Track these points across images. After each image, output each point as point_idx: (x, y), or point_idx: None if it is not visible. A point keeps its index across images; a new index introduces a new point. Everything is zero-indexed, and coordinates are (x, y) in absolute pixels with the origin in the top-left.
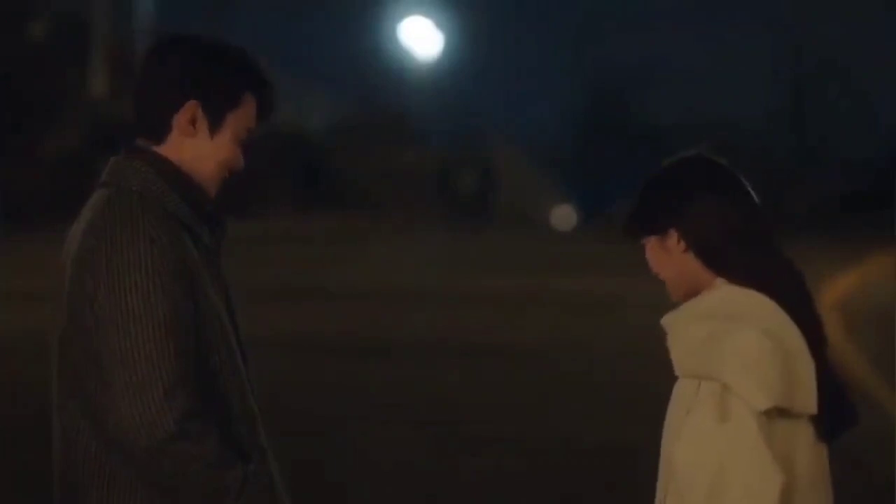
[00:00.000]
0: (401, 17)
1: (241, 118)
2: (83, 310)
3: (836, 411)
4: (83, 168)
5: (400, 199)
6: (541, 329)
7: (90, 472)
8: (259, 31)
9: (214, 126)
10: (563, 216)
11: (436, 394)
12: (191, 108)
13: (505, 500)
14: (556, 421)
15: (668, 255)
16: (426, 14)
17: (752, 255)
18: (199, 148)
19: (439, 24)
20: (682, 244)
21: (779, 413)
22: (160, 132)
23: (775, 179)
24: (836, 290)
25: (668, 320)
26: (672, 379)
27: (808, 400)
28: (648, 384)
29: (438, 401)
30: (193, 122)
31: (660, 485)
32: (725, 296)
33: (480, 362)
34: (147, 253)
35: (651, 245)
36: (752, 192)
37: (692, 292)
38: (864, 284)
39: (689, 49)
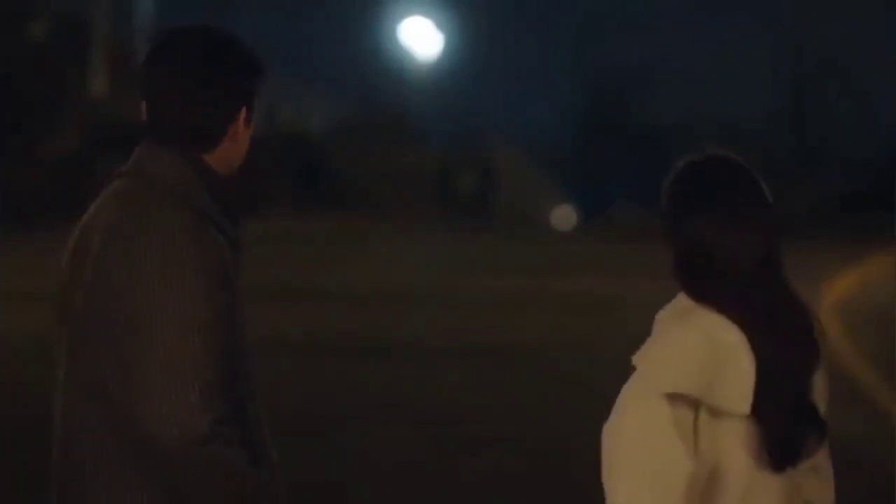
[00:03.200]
0: (401, 18)
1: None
2: (110, 305)
3: (797, 435)
4: (83, 168)
5: (400, 199)
6: (541, 329)
7: (95, 468)
8: (259, 31)
9: (248, 124)
10: (564, 216)
11: (436, 394)
12: (243, 114)
13: (505, 500)
14: (556, 421)
15: None
16: (426, 14)
17: (725, 287)
18: (236, 149)
19: (439, 25)
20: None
21: (710, 411)
22: (214, 141)
23: (775, 179)
24: (836, 291)
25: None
26: None
27: (736, 401)
28: None
29: (438, 401)
30: (242, 127)
31: None
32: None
33: (480, 362)
34: (189, 250)
35: None
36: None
37: None
38: (864, 284)
39: (688, 49)
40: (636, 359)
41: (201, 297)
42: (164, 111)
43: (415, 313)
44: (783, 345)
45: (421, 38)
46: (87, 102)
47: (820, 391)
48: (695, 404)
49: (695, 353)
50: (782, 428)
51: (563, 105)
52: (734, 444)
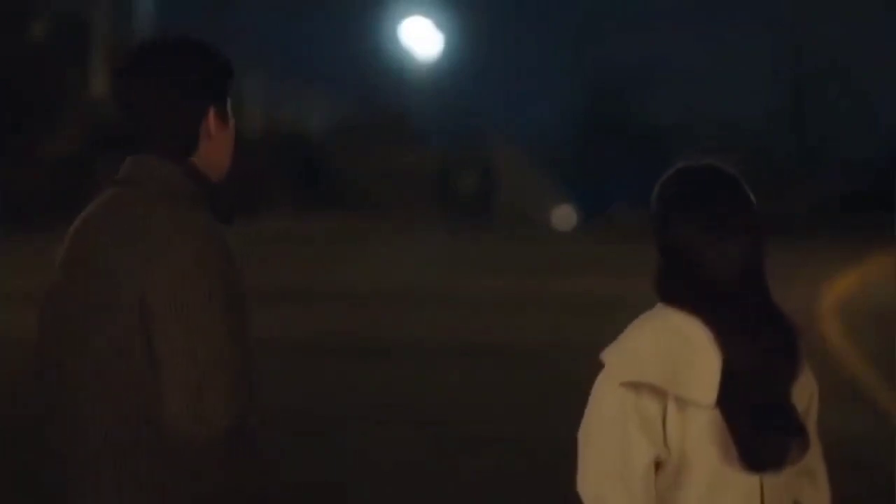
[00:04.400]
0: (401, 18)
1: (228, 106)
2: (124, 308)
3: (768, 437)
4: (83, 168)
5: (400, 199)
6: (541, 329)
7: (102, 465)
8: (259, 31)
9: (224, 122)
10: (564, 216)
11: (436, 394)
12: (211, 113)
13: (505, 500)
14: (556, 421)
15: None
16: (426, 14)
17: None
18: (215, 148)
19: (439, 25)
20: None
21: (678, 402)
22: (192, 144)
23: (775, 179)
24: (836, 291)
25: None
26: None
27: (701, 392)
28: None
29: (438, 401)
30: (213, 125)
31: None
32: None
33: (480, 362)
34: (218, 250)
35: None
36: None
37: None
38: (864, 284)
39: (689, 49)
40: (604, 354)
41: (230, 295)
42: (141, 120)
43: (415, 313)
44: (752, 347)
45: (421, 39)
46: (87, 102)
47: (802, 399)
48: (661, 395)
49: (660, 344)
50: (747, 426)
51: (564, 105)
52: (702, 436)
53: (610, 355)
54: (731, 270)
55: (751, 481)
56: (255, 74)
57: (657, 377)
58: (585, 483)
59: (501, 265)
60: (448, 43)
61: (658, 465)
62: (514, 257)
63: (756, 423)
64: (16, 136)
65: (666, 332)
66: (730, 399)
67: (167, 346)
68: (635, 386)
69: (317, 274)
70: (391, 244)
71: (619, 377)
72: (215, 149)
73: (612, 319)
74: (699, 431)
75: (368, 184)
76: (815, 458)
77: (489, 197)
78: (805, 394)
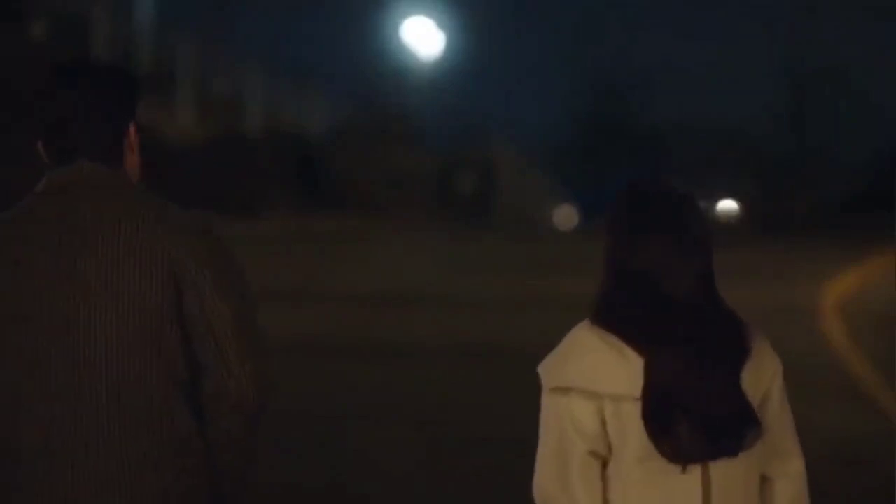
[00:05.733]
0: (402, 18)
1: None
2: (177, 301)
3: (712, 431)
4: None
5: (400, 199)
6: (541, 329)
7: (164, 441)
8: (260, 31)
9: (137, 136)
10: (565, 216)
11: (436, 394)
12: (133, 127)
13: (505, 500)
14: None
15: None
16: (427, 14)
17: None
18: (134, 159)
19: (440, 24)
20: None
21: (612, 398)
22: (119, 156)
23: (776, 180)
24: (836, 291)
25: None
26: None
27: (624, 385)
28: None
29: (438, 401)
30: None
31: None
32: None
33: (481, 363)
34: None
35: None
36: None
37: None
38: (864, 285)
39: (689, 50)
40: (539, 367)
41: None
42: (76, 132)
43: (415, 314)
44: (674, 349)
45: (422, 39)
46: None
47: (762, 381)
48: (593, 396)
49: (583, 348)
50: (665, 418)
51: (565, 106)
52: (633, 428)
53: (542, 366)
54: (692, 282)
55: (692, 471)
56: (255, 74)
57: (581, 380)
58: (534, 482)
59: (502, 265)
60: (449, 44)
61: (604, 462)
62: (515, 257)
63: (666, 420)
64: (17, 136)
65: (590, 336)
66: (647, 397)
67: (224, 325)
68: (564, 390)
69: (317, 274)
70: (391, 244)
71: (548, 384)
72: (135, 161)
73: None
74: (631, 423)
75: (369, 184)
76: (783, 433)
77: (489, 197)
78: (765, 376)
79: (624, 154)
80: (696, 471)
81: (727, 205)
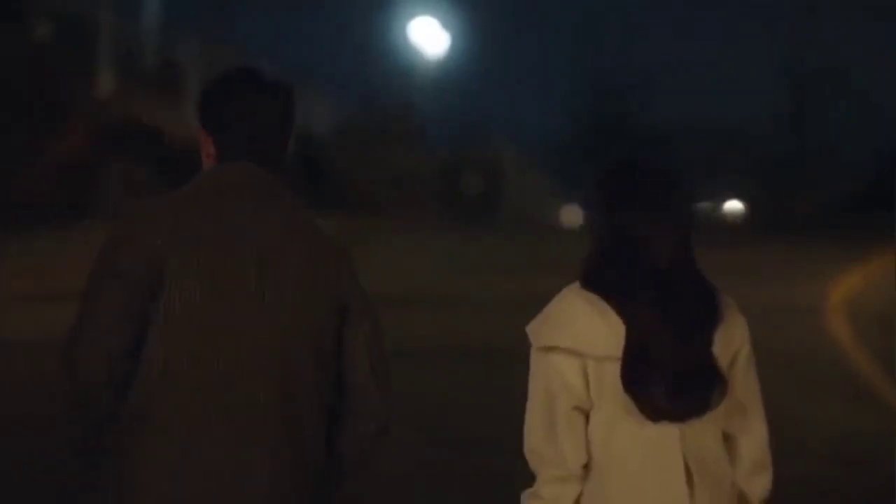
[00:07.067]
0: (407, 18)
1: None
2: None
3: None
4: (88, 169)
5: (404, 199)
6: None
7: (318, 452)
8: (262, 30)
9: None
10: (571, 214)
11: (436, 394)
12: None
13: (504, 500)
14: None
15: None
16: (432, 14)
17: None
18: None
19: (445, 25)
20: None
21: (595, 357)
22: (284, 164)
23: (776, 180)
24: (838, 290)
25: None
26: None
27: (602, 346)
28: None
29: (438, 401)
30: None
31: None
32: None
33: (482, 363)
34: None
35: None
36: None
37: None
38: (866, 285)
39: (689, 50)
40: (527, 327)
41: None
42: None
43: (418, 314)
44: (651, 312)
45: (427, 39)
46: (93, 103)
47: (733, 343)
48: (576, 354)
49: (569, 311)
50: (643, 377)
51: (568, 106)
52: (613, 386)
53: (530, 327)
54: (672, 250)
55: (668, 427)
56: None
57: (565, 340)
58: (524, 437)
59: (506, 265)
60: (454, 45)
61: (588, 418)
62: (519, 257)
63: (644, 378)
64: (20, 136)
65: (575, 298)
66: (626, 357)
67: (370, 347)
68: (551, 349)
69: None
70: (394, 245)
71: (536, 343)
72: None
73: None
74: (615, 382)
75: (372, 184)
76: (748, 393)
77: (494, 197)
78: (734, 340)
79: (624, 154)
80: (671, 426)
81: (733, 205)
